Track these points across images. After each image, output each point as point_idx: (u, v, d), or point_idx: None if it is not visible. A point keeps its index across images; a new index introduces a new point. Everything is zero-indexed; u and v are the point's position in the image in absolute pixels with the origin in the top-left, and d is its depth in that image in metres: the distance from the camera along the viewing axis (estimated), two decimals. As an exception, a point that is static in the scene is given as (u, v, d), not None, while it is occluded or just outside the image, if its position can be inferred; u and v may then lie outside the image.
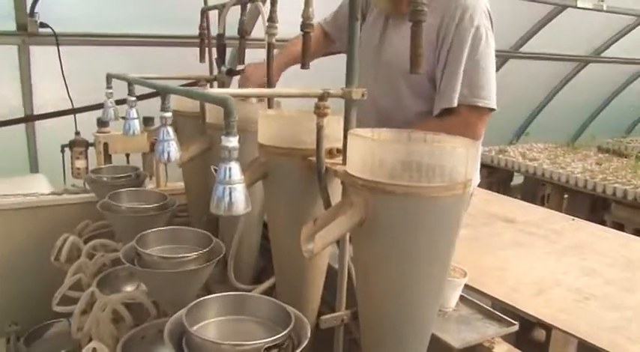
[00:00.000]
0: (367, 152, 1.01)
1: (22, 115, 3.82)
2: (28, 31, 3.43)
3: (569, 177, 4.78)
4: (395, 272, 1.06)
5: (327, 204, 1.24)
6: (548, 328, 2.09)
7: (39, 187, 2.65)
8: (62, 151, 2.66)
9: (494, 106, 1.80)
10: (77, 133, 2.67)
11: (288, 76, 2.12)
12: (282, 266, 1.46)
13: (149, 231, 1.50)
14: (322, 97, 1.16)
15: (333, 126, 1.22)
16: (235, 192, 0.90)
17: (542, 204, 5.06)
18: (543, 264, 2.05)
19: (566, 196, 5.07)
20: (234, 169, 0.90)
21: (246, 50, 1.87)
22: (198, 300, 1.11)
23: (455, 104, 1.78)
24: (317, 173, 1.21)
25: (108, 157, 2.55)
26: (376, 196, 1.01)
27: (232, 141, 0.89)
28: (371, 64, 1.96)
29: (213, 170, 1.14)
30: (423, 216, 1.01)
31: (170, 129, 1.22)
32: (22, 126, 3.90)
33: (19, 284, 2.32)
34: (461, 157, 1.01)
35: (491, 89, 1.79)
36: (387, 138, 1.14)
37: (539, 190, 5.38)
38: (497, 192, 3.71)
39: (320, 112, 1.16)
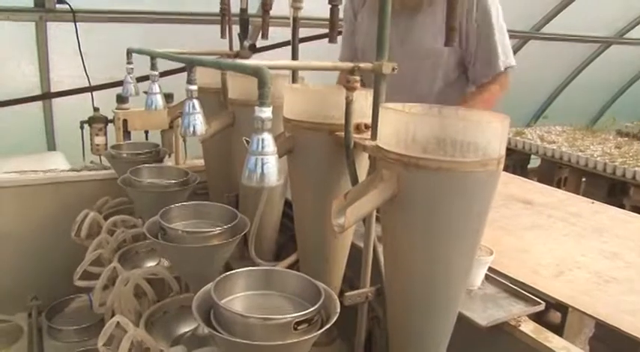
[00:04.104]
0: (401, 126, 0.99)
1: (40, 93, 3.83)
2: (46, 7, 3.43)
3: (588, 160, 4.71)
4: (425, 249, 1.05)
5: (355, 179, 1.22)
6: (564, 311, 2.07)
7: (57, 164, 2.66)
8: (81, 128, 2.66)
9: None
10: (96, 109, 2.67)
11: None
12: (306, 243, 1.45)
13: (173, 205, 1.49)
14: (352, 71, 1.14)
15: (361, 101, 1.20)
16: (268, 163, 0.88)
17: (560, 188, 5.00)
18: (563, 247, 2.01)
19: (584, 180, 5.00)
20: (267, 140, 0.88)
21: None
22: (225, 274, 1.10)
23: (502, 68, 1.96)
24: (345, 148, 1.19)
25: (127, 134, 2.54)
26: (409, 171, 0.99)
27: (266, 112, 0.87)
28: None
29: (245, 141, 1.13)
30: (455, 191, 0.99)
31: (196, 102, 1.21)
32: (39, 103, 3.91)
33: (40, 259, 2.35)
34: (496, 132, 0.99)
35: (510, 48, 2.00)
36: (420, 113, 1.12)
37: (556, 173, 5.31)
38: (514, 174, 3.66)
39: (349, 86, 1.14)
